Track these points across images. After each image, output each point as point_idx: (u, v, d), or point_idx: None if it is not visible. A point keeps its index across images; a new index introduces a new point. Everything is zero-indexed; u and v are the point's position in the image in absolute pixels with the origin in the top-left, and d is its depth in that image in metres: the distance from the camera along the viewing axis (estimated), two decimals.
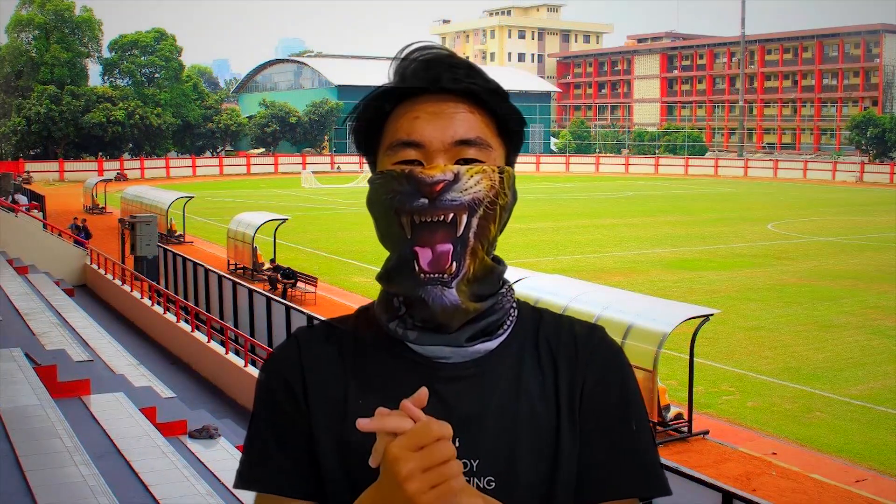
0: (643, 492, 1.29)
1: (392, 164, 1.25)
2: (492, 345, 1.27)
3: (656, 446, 1.34)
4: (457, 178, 1.21)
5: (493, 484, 1.22)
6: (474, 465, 1.22)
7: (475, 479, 1.21)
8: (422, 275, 1.23)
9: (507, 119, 1.28)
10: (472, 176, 1.22)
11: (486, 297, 1.27)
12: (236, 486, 1.32)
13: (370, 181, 1.29)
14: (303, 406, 1.28)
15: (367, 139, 1.31)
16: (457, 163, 1.23)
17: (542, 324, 1.33)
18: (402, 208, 1.22)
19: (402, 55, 1.29)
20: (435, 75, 1.25)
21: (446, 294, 1.22)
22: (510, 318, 1.31)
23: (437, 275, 1.22)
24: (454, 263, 1.22)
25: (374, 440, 1.19)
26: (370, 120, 1.30)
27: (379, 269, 1.32)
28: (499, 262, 1.31)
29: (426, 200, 1.21)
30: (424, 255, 1.23)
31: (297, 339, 1.35)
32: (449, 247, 1.22)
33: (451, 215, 1.22)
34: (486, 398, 1.25)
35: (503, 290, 1.31)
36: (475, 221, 1.23)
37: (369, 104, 1.29)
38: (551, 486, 1.25)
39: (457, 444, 1.19)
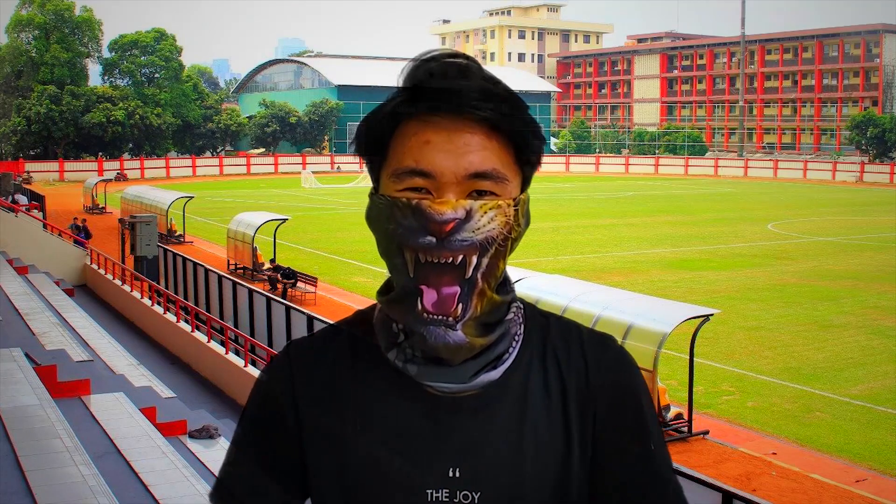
0: None
1: (397, 190, 1.14)
2: (496, 374, 1.19)
3: (669, 456, 1.28)
4: (469, 215, 1.10)
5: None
6: (476, 497, 1.16)
7: (472, 494, 1.16)
8: (424, 314, 1.14)
9: (526, 141, 1.16)
10: (485, 213, 1.11)
11: (494, 327, 1.18)
12: (211, 497, 1.30)
13: (371, 197, 1.18)
14: (294, 434, 1.23)
15: (371, 153, 1.20)
16: (469, 195, 1.12)
17: (549, 336, 1.24)
18: (406, 244, 1.12)
19: (418, 63, 1.16)
20: (452, 96, 1.12)
21: (450, 335, 1.14)
22: (517, 340, 1.22)
23: (441, 316, 1.13)
24: (460, 306, 1.13)
25: (374, 470, 1.19)
26: (377, 137, 1.18)
27: (381, 283, 1.23)
28: (507, 289, 1.22)
29: (434, 239, 1.10)
30: (429, 296, 1.13)
31: (289, 359, 1.27)
32: (456, 289, 1.13)
33: (461, 257, 1.11)
34: (488, 428, 1.19)
35: (510, 316, 1.22)
36: (485, 261, 1.13)
37: (377, 123, 1.17)
38: None
39: (458, 475, 1.17)
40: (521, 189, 1.18)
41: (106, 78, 71.52)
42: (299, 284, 20.33)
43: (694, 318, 12.08)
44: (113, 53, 70.69)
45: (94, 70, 72.76)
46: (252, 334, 15.73)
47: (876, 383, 13.75)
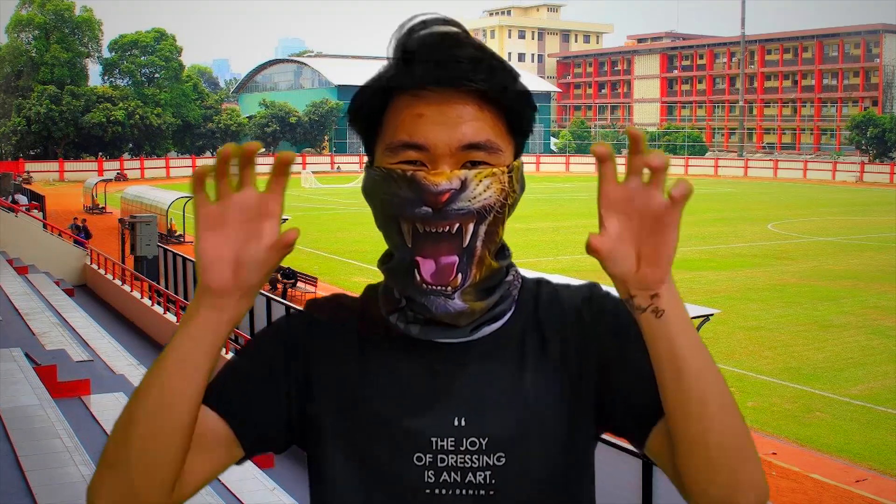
0: None
1: (392, 163, 1.15)
2: (496, 326, 1.22)
3: None
4: (464, 185, 1.11)
5: (504, 460, 1.18)
6: (483, 443, 1.18)
7: (485, 457, 1.18)
8: (424, 285, 1.15)
9: (517, 112, 1.18)
10: (480, 181, 1.12)
11: (493, 291, 1.21)
12: None
13: (367, 169, 1.20)
14: (294, 381, 1.23)
15: (365, 128, 1.21)
16: (463, 166, 1.13)
17: (540, 296, 1.27)
18: (403, 215, 1.14)
19: (407, 31, 1.17)
20: (442, 68, 1.12)
21: (449, 304, 1.16)
22: (515, 298, 1.25)
23: (440, 287, 1.15)
24: (459, 275, 1.15)
25: (379, 422, 1.19)
26: (369, 112, 1.19)
27: (381, 255, 1.25)
28: (504, 255, 1.24)
29: (430, 210, 1.12)
30: (427, 267, 1.15)
31: (310, 314, 1.29)
32: (454, 259, 1.14)
33: (457, 225, 1.13)
34: (490, 376, 1.20)
35: (509, 278, 1.24)
36: (483, 229, 1.15)
37: (369, 99, 1.18)
38: (565, 456, 1.22)
39: (463, 424, 1.18)
40: (514, 157, 1.19)
41: (106, 78, 71.56)
42: (299, 284, 20.34)
43: (694, 318, 12.08)
44: (113, 53, 70.73)
45: (94, 70, 72.95)
46: (252, 334, 15.71)
47: (876, 383, 13.75)
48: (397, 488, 1.19)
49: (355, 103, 1.20)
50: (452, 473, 1.18)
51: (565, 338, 1.24)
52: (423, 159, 1.13)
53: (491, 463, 1.18)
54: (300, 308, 1.34)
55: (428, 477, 1.18)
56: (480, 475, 1.18)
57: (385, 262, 1.24)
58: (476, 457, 1.18)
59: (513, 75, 1.17)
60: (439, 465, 1.18)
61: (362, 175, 1.22)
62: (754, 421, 12.24)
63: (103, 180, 42.57)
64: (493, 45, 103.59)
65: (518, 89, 1.17)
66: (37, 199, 34.09)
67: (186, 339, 1.08)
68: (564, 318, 1.25)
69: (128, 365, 13.92)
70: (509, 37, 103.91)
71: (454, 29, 1.17)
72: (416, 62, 1.13)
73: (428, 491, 1.18)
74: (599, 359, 1.22)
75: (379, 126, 1.18)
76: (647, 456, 1.21)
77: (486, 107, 1.15)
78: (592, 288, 1.29)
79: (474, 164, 1.14)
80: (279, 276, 20.76)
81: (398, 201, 1.13)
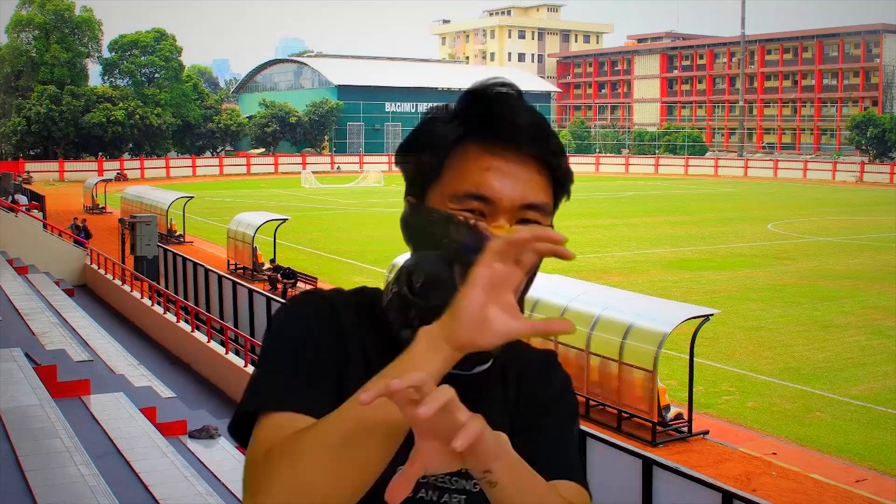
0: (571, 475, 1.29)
1: (453, 209, 1.20)
2: (485, 366, 1.28)
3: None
4: None
5: (479, 488, 1.18)
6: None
7: (462, 481, 1.22)
8: None
9: (562, 180, 1.27)
10: None
11: None
12: (246, 407, 1.19)
13: (416, 206, 1.24)
14: (338, 354, 1.23)
15: (421, 166, 1.25)
16: (517, 223, 1.20)
17: (515, 349, 1.32)
18: (459, 260, 1.16)
19: (479, 91, 1.24)
20: (513, 129, 1.20)
21: None
22: None
23: None
24: None
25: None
26: (433, 152, 1.24)
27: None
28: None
29: None
30: None
31: (327, 297, 1.30)
32: None
33: None
34: (478, 409, 1.22)
35: None
36: (524, 281, 1.17)
37: (435, 140, 1.23)
38: None
39: None
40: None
41: (106, 78, 71.55)
42: (299, 284, 20.35)
43: (694, 318, 12.08)
44: (113, 53, 70.73)
45: (94, 70, 72.89)
46: (252, 334, 15.74)
47: (876, 383, 13.76)
48: (375, 496, 1.16)
49: (418, 140, 1.25)
50: (430, 492, 1.21)
51: (517, 388, 1.32)
52: (483, 210, 1.19)
53: (467, 489, 1.22)
54: (309, 295, 1.33)
55: None
56: (456, 498, 1.22)
57: (423, 296, 1.21)
58: (455, 479, 1.22)
59: (560, 142, 1.27)
60: (420, 480, 1.15)
61: (404, 207, 1.27)
62: (754, 421, 12.26)
63: (103, 180, 42.57)
64: (493, 45, 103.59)
65: (566, 156, 1.27)
66: (37, 199, 34.10)
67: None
68: (523, 370, 1.34)
69: (128, 365, 13.93)
70: (509, 37, 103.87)
71: (516, 93, 1.24)
72: (494, 119, 1.21)
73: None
74: (522, 416, 1.30)
75: (438, 168, 1.23)
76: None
77: (543, 171, 1.23)
78: (549, 356, 1.38)
79: (525, 221, 1.21)
80: (279, 275, 20.77)
81: (456, 246, 1.18)
